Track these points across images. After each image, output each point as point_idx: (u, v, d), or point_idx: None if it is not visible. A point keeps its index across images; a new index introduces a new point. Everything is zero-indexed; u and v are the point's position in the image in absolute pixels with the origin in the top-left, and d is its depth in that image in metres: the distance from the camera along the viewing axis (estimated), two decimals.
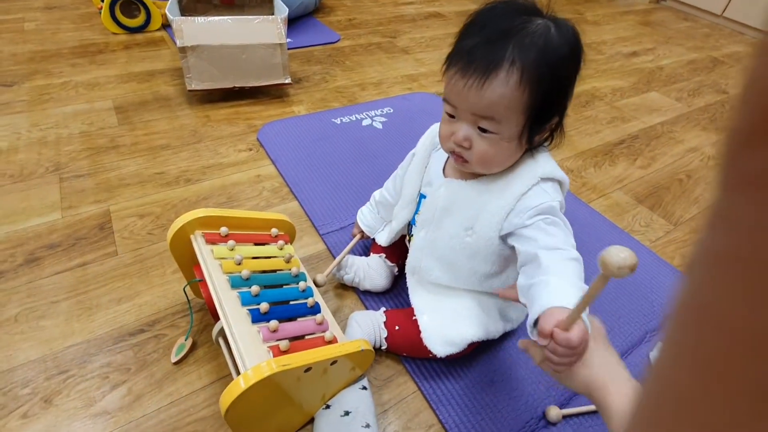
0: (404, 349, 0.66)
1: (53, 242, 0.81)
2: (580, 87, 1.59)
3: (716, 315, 0.10)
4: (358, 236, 0.81)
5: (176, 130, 1.14)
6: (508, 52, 0.47)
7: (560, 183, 0.56)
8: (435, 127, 0.64)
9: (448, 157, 0.62)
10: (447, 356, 0.62)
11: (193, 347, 0.66)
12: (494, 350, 0.69)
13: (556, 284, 0.45)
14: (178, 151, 1.07)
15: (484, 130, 0.50)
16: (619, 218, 1.00)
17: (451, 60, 0.51)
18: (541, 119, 0.50)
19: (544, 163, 0.55)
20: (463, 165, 0.55)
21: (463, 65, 0.49)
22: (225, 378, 0.63)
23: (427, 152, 0.66)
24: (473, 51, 0.48)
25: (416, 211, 0.66)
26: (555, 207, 0.53)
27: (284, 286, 0.59)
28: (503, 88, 0.47)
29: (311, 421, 0.58)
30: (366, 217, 0.80)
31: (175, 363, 0.64)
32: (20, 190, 0.92)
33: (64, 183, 0.94)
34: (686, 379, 0.11)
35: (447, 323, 0.63)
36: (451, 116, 0.53)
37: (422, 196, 0.65)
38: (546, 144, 0.56)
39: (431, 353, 0.61)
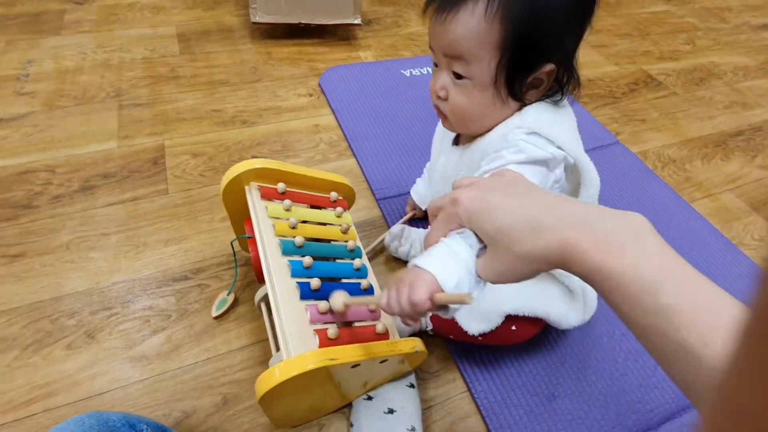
0: (450, 329, 0.57)
1: (108, 172, 0.79)
2: (696, 59, 1.34)
3: None
4: (411, 213, 0.74)
5: (236, 65, 1.07)
6: None
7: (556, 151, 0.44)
8: None
9: None
10: (483, 337, 0.53)
11: (235, 303, 0.63)
12: (560, 358, 0.61)
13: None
14: (237, 89, 1.01)
15: (459, 77, 0.44)
16: (727, 226, 0.84)
17: None
18: (524, 64, 0.42)
19: (530, 114, 0.45)
20: (445, 122, 0.49)
21: None
22: (264, 341, 0.59)
23: None
24: None
25: None
26: (509, 142, 0.44)
27: (338, 260, 0.53)
28: (470, 19, 0.40)
29: (348, 405, 0.53)
30: (419, 187, 0.72)
31: (216, 318, 0.61)
32: (81, 113, 0.90)
33: (123, 110, 0.92)
34: (761, 396, 0.09)
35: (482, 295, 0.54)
36: (436, 65, 0.46)
37: None
38: (558, 98, 0.46)
39: (470, 334, 0.53)
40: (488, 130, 0.47)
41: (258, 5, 1.09)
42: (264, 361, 0.58)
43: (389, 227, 0.75)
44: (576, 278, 0.51)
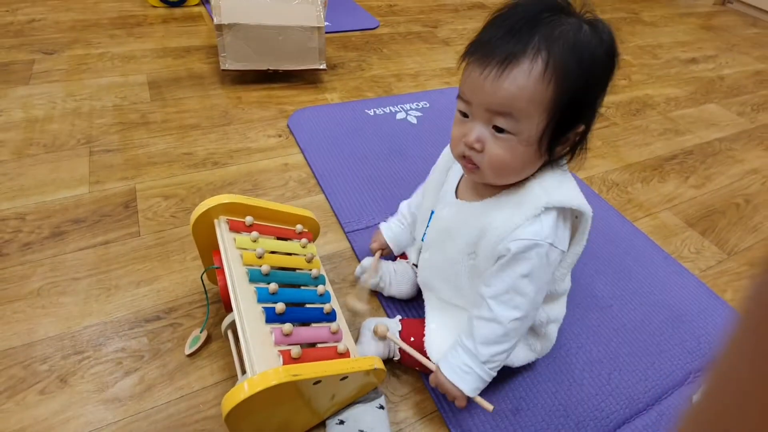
0: (417, 363, 0.61)
1: (79, 217, 0.81)
2: (632, 93, 1.49)
3: None
4: (379, 252, 0.71)
5: (207, 110, 1.12)
6: (534, 41, 0.42)
7: (575, 214, 0.50)
8: None
9: (463, 175, 0.57)
10: None
11: (208, 340, 0.64)
12: (520, 377, 0.65)
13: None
14: (207, 132, 1.05)
15: (500, 131, 0.45)
16: (666, 241, 0.93)
17: (469, 50, 0.46)
18: (566, 124, 0.45)
19: (556, 187, 0.49)
20: (474, 173, 0.49)
21: (481, 54, 0.44)
22: (237, 377, 0.61)
23: (447, 165, 0.61)
24: (494, 40, 0.44)
25: (427, 226, 0.63)
26: (538, 251, 0.47)
27: (302, 287, 0.56)
28: (525, 79, 0.42)
29: (320, 426, 0.55)
30: (393, 228, 0.71)
31: (189, 355, 0.62)
32: (51, 161, 0.92)
33: (93, 156, 0.94)
34: (750, 372, 0.11)
35: (453, 336, 0.58)
36: (465, 116, 0.47)
37: (432, 213, 0.61)
38: (563, 162, 0.51)
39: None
40: (513, 184, 0.50)
41: (228, 54, 1.16)
42: None
43: (358, 258, 0.78)
44: (542, 313, 0.58)
